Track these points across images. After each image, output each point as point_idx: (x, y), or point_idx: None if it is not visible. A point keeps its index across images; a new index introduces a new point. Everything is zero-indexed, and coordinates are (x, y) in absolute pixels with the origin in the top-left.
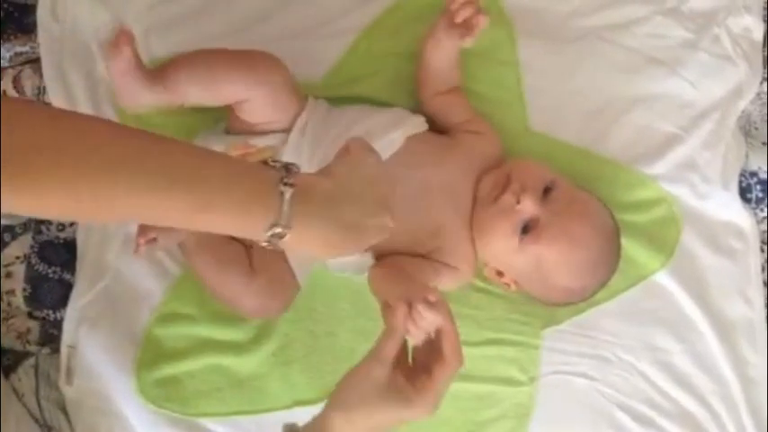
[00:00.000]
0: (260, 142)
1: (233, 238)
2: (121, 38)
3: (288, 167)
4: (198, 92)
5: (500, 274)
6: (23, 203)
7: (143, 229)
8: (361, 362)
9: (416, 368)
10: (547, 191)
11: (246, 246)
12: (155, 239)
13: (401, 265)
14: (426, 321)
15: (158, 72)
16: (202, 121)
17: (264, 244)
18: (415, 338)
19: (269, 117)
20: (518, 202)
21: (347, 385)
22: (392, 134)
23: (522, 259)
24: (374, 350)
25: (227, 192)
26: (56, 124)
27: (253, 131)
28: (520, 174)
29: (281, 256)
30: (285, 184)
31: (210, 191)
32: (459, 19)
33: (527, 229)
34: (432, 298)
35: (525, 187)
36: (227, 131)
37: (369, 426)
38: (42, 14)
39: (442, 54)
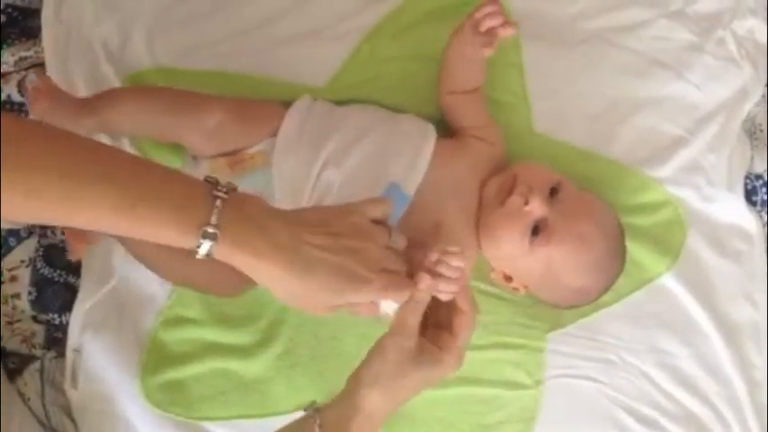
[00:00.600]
0: (250, 150)
1: None
2: (36, 87)
3: (226, 184)
4: (128, 125)
5: (508, 278)
6: None
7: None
8: (385, 339)
9: (436, 331)
10: (553, 192)
11: None
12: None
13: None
14: (455, 271)
15: (91, 102)
16: None
17: (197, 254)
18: (447, 294)
19: (233, 144)
20: (526, 204)
21: (377, 362)
22: (420, 164)
23: (532, 261)
24: (398, 325)
25: (159, 190)
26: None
27: (235, 151)
28: (526, 176)
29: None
30: (219, 191)
31: (142, 188)
32: (483, 28)
33: (536, 230)
34: (452, 248)
35: (532, 189)
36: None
37: (405, 395)
38: (47, 18)
39: (463, 57)
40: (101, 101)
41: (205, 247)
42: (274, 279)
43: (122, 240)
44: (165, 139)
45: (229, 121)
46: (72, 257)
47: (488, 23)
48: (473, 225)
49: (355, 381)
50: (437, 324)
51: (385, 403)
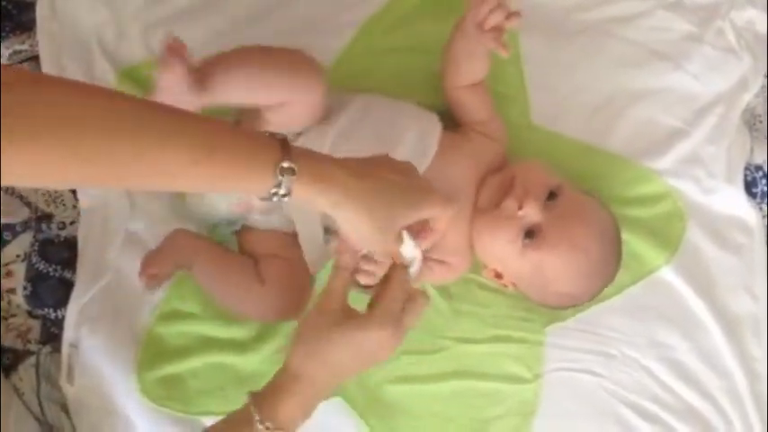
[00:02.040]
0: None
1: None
2: (172, 52)
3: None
4: (242, 94)
5: (498, 275)
6: (23, 161)
7: (144, 266)
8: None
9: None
10: (551, 195)
11: (254, 258)
12: (155, 275)
13: None
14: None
15: (204, 77)
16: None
17: (274, 197)
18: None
19: (303, 122)
20: (520, 208)
21: (301, 324)
22: (429, 142)
23: (522, 264)
24: (324, 290)
25: (230, 138)
26: (55, 84)
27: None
28: (524, 178)
29: (290, 261)
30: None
31: (213, 138)
32: (488, 26)
33: (529, 234)
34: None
35: (528, 193)
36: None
37: (336, 360)
38: (41, 12)
39: (470, 54)
40: (212, 71)
41: (285, 183)
42: (355, 208)
43: (196, 276)
44: (262, 100)
45: (320, 91)
46: (148, 288)
47: (492, 21)
48: (467, 222)
49: (286, 349)
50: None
51: (315, 367)
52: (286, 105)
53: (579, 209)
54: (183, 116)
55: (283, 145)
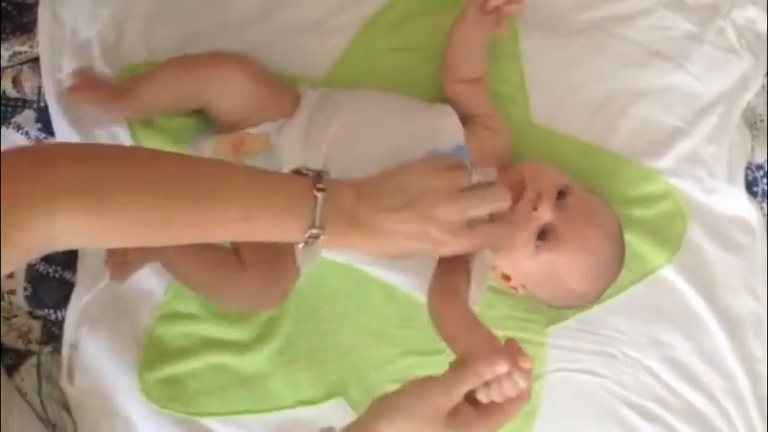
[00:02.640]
0: (254, 131)
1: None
2: (78, 76)
3: (320, 174)
4: (162, 101)
5: (506, 277)
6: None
7: (110, 255)
8: (426, 387)
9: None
10: (560, 195)
11: (235, 244)
12: (122, 264)
13: (454, 288)
14: (516, 388)
15: (123, 90)
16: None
17: (302, 246)
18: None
19: (244, 113)
20: (535, 209)
21: (407, 406)
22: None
23: (535, 265)
24: (446, 382)
25: (266, 201)
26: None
27: (242, 127)
28: (534, 179)
29: (274, 247)
30: (318, 189)
31: (251, 201)
32: (490, 7)
33: (543, 235)
34: (525, 365)
35: (541, 194)
36: (218, 131)
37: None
38: (42, 13)
39: (470, 41)
40: (131, 84)
41: (310, 246)
42: (361, 252)
43: (168, 265)
44: (195, 103)
45: (247, 92)
46: (115, 280)
47: (494, 2)
48: None
49: (377, 415)
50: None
51: None
52: (216, 102)
53: (588, 208)
54: (226, 173)
55: (314, 201)
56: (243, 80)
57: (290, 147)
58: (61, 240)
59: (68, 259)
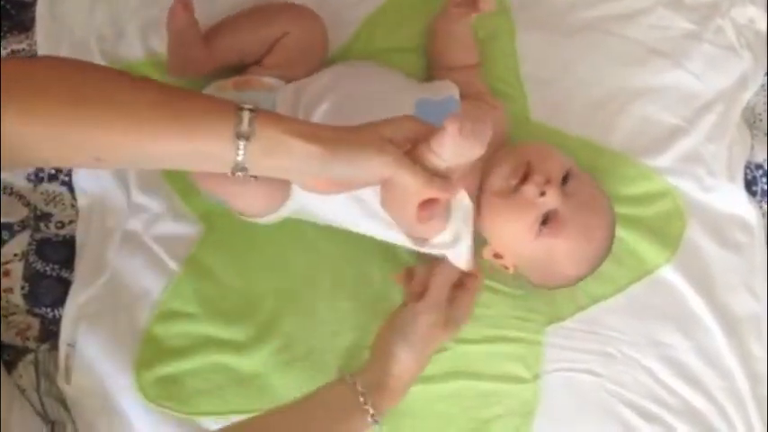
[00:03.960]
0: (264, 79)
1: None
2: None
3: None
4: (244, 36)
5: (499, 255)
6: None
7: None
8: (418, 311)
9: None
10: (564, 179)
11: None
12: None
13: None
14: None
15: (209, 35)
16: None
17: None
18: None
19: (304, 57)
20: (542, 194)
21: (410, 330)
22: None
23: (533, 248)
24: (431, 302)
25: (192, 103)
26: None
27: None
28: (541, 161)
29: None
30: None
31: (176, 107)
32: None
33: (546, 220)
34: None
35: (550, 179)
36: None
37: (429, 357)
38: (41, 11)
39: (454, 34)
40: (214, 30)
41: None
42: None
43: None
44: (267, 38)
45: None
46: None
47: None
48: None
49: (386, 348)
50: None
51: (415, 366)
52: (288, 36)
53: (590, 194)
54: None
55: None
56: (320, 24)
57: (285, 94)
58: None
59: (66, 257)
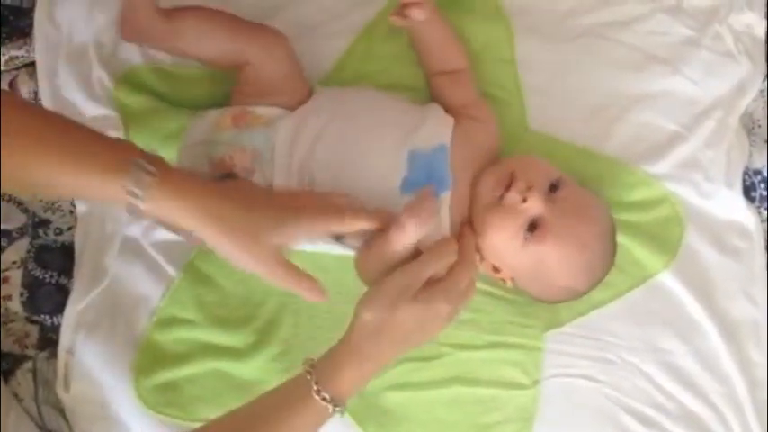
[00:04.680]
0: (260, 110)
1: None
2: None
3: (153, 158)
4: (206, 42)
5: (496, 269)
6: None
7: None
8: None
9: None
10: (552, 188)
11: None
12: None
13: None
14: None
15: (170, 12)
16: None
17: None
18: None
19: (276, 86)
20: (524, 201)
21: (370, 300)
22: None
23: (523, 258)
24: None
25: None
26: None
27: (254, 102)
28: (525, 171)
29: None
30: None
31: (77, 147)
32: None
33: (532, 228)
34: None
35: (531, 185)
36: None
37: (398, 338)
38: (39, 18)
39: (426, 38)
40: (177, 15)
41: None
42: (214, 228)
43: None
44: (227, 57)
45: (289, 59)
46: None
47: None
48: (466, 210)
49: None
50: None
51: (380, 345)
52: (253, 65)
53: (581, 202)
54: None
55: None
56: (284, 53)
57: (283, 134)
58: None
59: (65, 264)
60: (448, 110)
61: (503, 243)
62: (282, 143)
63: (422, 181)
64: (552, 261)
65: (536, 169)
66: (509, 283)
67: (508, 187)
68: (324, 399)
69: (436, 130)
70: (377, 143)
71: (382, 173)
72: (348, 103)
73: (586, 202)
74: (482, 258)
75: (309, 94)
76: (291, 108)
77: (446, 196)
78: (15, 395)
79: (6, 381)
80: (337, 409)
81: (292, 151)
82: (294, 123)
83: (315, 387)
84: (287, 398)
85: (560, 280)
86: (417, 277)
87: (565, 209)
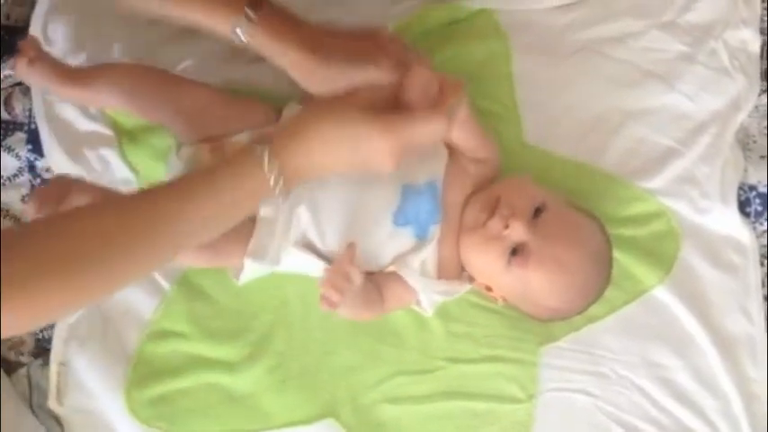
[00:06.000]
0: (235, 139)
1: None
2: (27, 48)
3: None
4: (124, 106)
5: (488, 288)
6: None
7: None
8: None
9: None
10: (537, 212)
11: None
12: (35, 59)
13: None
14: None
15: (79, 75)
16: None
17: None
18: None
19: (214, 129)
20: (506, 228)
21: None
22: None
23: (508, 280)
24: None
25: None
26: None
27: (221, 137)
28: (510, 196)
29: None
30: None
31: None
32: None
33: (515, 251)
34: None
35: (514, 211)
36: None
37: (330, 136)
38: (34, 32)
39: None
40: (90, 72)
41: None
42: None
43: None
44: (148, 118)
45: (213, 105)
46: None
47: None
48: (455, 238)
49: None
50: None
51: (319, 121)
52: (164, 118)
53: (565, 225)
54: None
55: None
56: (203, 104)
57: None
58: None
59: None
60: (452, 150)
61: (487, 266)
62: None
63: (412, 215)
64: (536, 284)
65: (521, 193)
66: (500, 302)
67: (493, 212)
68: (270, 167)
69: (430, 165)
70: (367, 180)
71: (378, 203)
72: None
73: (571, 225)
74: (474, 278)
75: (272, 109)
76: (264, 125)
77: (435, 230)
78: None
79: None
80: (280, 185)
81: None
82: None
83: (266, 159)
84: (231, 164)
85: (546, 301)
86: (372, 93)
87: (547, 233)
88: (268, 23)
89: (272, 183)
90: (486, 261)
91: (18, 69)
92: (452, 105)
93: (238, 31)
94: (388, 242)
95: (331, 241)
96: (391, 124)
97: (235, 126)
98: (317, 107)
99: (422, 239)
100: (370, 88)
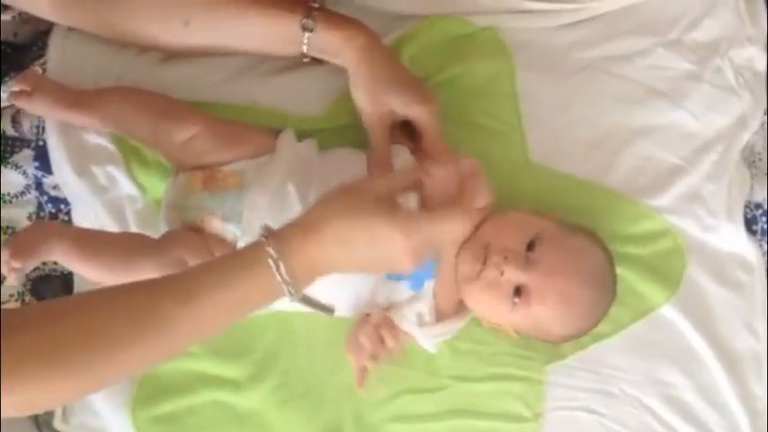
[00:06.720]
0: (227, 168)
1: None
2: (25, 82)
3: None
4: (124, 130)
5: (498, 324)
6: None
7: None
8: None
9: None
10: (531, 246)
11: None
12: (30, 93)
13: None
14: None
15: (78, 101)
16: None
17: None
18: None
19: (206, 159)
20: (502, 275)
21: (345, 193)
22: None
23: (517, 318)
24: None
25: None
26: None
27: (215, 165)
28: (499, 238)
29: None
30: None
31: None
32: None
33: (517, 292)
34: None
35: (506, 254)
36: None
37: (347, 238)
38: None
39: None
40: (90, 99)
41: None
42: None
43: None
44: (145, 143)
45: (206, 135)
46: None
47: None
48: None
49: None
50: None
51: (334, 226)
52: (157, 144)
53: (562, 254)
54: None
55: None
56: (195, 132)
57: (258, 201)
58: None
59: (64, 294)
60: None
61: (494, 312)
62: (257, 208)
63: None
64: (543, 318)
65: (510, 232)
66: (512, 333)
67: (485, 261)
68: (277, 267)
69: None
70: None
71: None
72: (332, 174)
73: (568, 252)
74: (482, 318)
75: (269, 136)
76: (259, 155)
77: (429, 285)
78: None
79: None
80: (290, 287)
81: (274, 216)
82: (271, 188)
83: (274, 255)
84: (238, 262)
85: (557, 330)
86: (390, 186)
87: (545, 267)
88: (331, 14)
89: (284, 288)
90: (491, 307)
91: (18, 104)
92: (473, 198)
93: (307, 21)
94: (382, 289)
95: (324, 293)
96: (412, 222)
97: (228, 156)
98: (331, 199)
99: (417, 291)
100: (384, 176)
